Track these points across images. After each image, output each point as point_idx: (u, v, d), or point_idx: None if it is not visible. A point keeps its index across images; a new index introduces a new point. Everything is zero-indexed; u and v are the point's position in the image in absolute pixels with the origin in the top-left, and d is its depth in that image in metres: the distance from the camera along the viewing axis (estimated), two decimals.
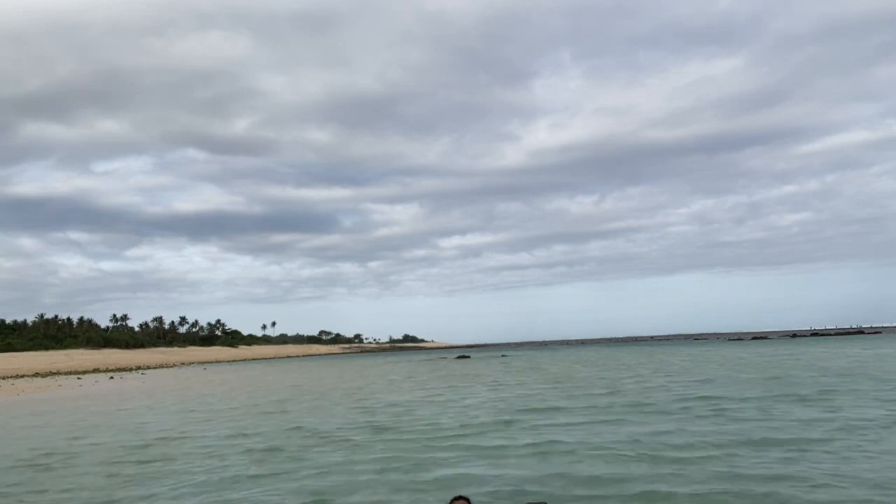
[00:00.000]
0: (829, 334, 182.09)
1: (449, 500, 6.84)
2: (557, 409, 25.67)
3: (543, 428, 20.87)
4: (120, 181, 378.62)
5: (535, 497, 11.77)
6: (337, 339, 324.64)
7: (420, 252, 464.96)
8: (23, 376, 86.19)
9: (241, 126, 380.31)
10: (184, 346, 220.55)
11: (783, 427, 19.05)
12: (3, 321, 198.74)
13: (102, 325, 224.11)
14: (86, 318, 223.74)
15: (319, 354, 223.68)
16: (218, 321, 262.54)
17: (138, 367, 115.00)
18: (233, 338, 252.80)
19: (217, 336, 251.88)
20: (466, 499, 6.62)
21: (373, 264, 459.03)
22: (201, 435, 22.67)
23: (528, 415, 24.29)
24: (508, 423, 22.24)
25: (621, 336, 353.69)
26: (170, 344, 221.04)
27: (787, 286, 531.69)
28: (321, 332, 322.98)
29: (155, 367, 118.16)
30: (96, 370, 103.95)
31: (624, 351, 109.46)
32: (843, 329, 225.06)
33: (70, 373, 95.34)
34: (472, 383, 43.86)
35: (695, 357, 70.51)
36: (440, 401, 31.49)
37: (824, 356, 60.40)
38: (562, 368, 59.61)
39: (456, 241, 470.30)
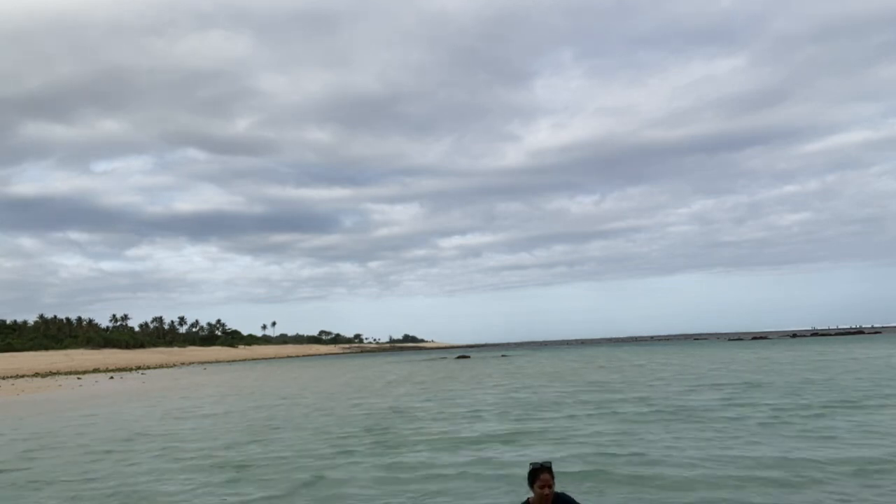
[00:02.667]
0: (829, 334, 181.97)
1: (529, 470, 6.27)
2: (573, 416, 22.87)
3: (553, 440, 18.43)
4: (120, 181, 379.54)
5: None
6: (337, 339, 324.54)
7: (420, 252, 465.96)
8: (23, 376, 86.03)
9: (241, 126, 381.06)
10: (184, 346, 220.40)
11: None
12: (3, 321, 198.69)
13: (102, 325, 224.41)
14: (86, 318, 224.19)
15: (319, 354, 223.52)
16: (218, 321, 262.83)
17: (138, 368, 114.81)
18: (233, 338, 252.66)
19: (217, 336, 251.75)
20: (548, 468, 6.12)
21: (373, 264, 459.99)
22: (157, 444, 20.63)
23: (537, 423, 21.68)
24: (517, 434, 19.45)
25: (621, 336, 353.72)
26: (170, 344, 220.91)
27: (787, 286, 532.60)
28: (321, 332, 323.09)
29: (155, 368, 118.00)
30: (96, 370, 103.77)
31: (628, 351, 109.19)
32: (842, 329, 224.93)
33: (70, 373, 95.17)
34: (475, 386, 43.24)
35: (709, 358, 69.88)
36: (443, 406, 30.41)
37: (850, 356, 57.68)
38: (568, 369, 59.23)
39: (456, 241, 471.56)
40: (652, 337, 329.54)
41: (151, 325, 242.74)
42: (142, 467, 16.70)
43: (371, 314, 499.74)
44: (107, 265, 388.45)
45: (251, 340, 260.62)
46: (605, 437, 18.29)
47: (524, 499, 6.34)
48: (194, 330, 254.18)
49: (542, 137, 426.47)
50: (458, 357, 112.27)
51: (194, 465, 16.78)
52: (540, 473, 6.11)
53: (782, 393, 27.64)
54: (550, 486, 6.08)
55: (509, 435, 19.26)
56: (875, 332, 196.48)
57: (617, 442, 17.37)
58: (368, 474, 14.69)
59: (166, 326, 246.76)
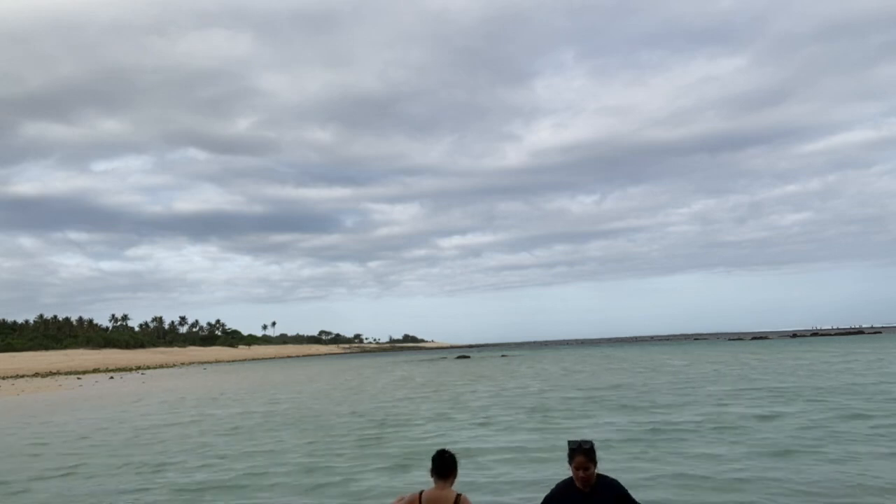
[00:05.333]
0: (830, 334, 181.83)
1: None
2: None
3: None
4: (120, 181, 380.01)
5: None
6: (337, 339, 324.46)
7: (420, 252, 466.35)
8: (23, 376, 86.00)
9: (242, 126, 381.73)
10: (184, 346, 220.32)
11: None
12: (3, 321, 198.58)
13: (102, 325, 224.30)
14: (86, 318, 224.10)
15: (319, 354, 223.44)
16: (218, 321, 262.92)
17: (138, 368, 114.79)
18: (233, 338, 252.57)
19: (217, 336, 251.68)
20: (586, 451, 5.46)
21: (373, 264, 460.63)
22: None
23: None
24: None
25: (621, 336, 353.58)
26: (170, 344, 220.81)
27: (787, 286, 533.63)
28: (321, 333, 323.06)
29: (155, 368, 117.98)
30: (96, 370, 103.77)
31: (630, 351, 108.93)
32: (843, 329, 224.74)
33: (70, 373, 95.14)
34: (480, 387, 42.84)
35: (725, 357, 69.46)
36: (449, 411, 29.27)
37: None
38: (577, 370, 58.94)
39: (456, 240, 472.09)
40: (652, 337, 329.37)
41: (151, 325, 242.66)
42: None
43: (371, 314, 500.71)
44: (107, 265, 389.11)
45: (251, 340, 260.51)
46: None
47: (566, 477, 5.56)
48: (194, 330, 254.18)
49: (544, 137, 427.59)
50: (458, 357, 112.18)
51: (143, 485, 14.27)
52: (576, 455, 5.37)
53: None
54: (587, 470, 5.37)
55: (524, 446, 16.93)
56: (875, 332, 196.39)
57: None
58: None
59: (166, 326, 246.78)
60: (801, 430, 17.69)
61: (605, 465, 6.33)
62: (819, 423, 18.61)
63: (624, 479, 6.12)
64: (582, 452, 5.36)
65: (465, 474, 13.10)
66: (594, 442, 5.53)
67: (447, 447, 5.81)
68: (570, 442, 5.52)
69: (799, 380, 33.86)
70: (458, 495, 5.45)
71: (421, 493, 5.54)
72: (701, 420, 20.21)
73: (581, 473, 5.35)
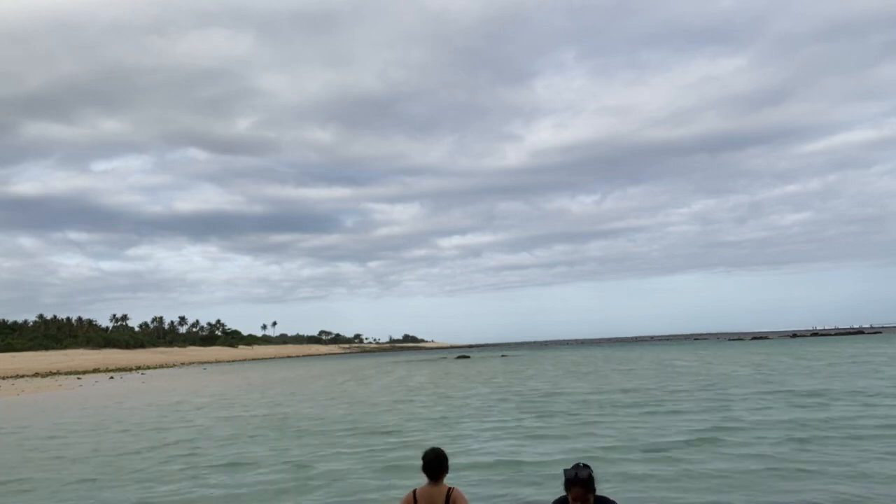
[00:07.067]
0: (829, 334, 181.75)
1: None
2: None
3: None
4: (120, 180, 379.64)
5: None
6: (337, 339, 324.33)
7: (420, 252, 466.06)
8: (23, 376, 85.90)
9: (242, 125, 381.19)
10: (184, 346, 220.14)
11: None
12: (3, 321, 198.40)
13: (102, 325, 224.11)
14: (86, 318, 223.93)
15: (319, 355, 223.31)
16: (218, 321, 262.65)
17: (138, 368, 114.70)
18: (233, 338, 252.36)
19: (217, 336, 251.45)
20: (581, 482, 5.23)
21: (373, 264, 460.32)
22: None
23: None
24: None
25: (621, 336, 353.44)
26: (170, 344, 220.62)
27: (787, 286, 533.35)
28: (321, 333, 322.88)
29: (155, 368, 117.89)
30: (96, 370, 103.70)
31: (631, 351, 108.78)
32: (842, 329, 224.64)
33: (70, 373, 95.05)
34: (480, 389, 42.49)
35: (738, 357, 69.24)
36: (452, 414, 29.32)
37: None
38: (582, 371, 58.67)
39: (456, 240, 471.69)
40: (652, 337, 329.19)
41: (151, 325, 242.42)
42: None
43: (371, 314, 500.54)
44: (107, 265, 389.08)
45: (251, 340, 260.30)
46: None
47: (561, 496, 5.37)
48: (194, 330, 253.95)
49: (544, 137, 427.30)
50: (458, 357, 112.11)
51: None
52: (572, 486, 5.12)
53: None
54: (585, 501, 5.14)
55: (525, 450, 16.36)
56: (875, 331, 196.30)
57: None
58: None
59: (166, 326, 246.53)
60: None
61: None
62: None
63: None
64: (579, 483, 5.09)
65: (465, 481, 12.67)
66: (592, 468, 5.22)
67: (443, 448, 5.88)
68: (565, 471, 5.22)
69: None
70: (450, 489, 5.62)
71: (415, 490, 5.71)
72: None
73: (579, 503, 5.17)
